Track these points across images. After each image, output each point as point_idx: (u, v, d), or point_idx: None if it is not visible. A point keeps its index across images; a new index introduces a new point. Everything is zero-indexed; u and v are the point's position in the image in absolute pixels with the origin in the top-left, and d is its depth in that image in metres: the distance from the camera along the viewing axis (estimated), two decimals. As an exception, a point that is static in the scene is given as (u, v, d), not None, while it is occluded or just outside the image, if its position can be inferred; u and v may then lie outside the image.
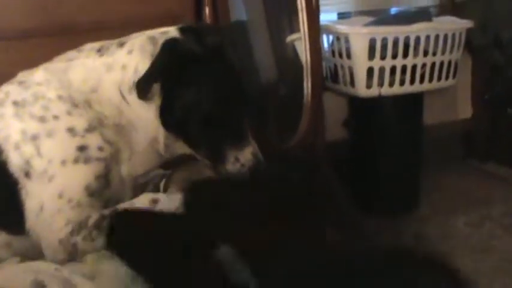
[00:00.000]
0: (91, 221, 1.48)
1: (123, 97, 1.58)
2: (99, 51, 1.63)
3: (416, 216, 2.87)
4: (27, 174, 1.50)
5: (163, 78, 1.54)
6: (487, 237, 2.62)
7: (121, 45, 1.62)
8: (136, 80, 1.54)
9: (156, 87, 1.54)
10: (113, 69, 1.59)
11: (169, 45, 1.55)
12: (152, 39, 1.59)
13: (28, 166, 1.50)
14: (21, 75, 1.64)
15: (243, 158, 1.62)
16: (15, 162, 1.51)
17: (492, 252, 2.48)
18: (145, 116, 1.58)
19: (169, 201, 1.51)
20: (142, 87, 1.53)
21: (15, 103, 1.56)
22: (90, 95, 1.58)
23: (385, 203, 2.94)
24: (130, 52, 1.59)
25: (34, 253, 1.53)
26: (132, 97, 1.57)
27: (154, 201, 1.50)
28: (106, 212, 1.49)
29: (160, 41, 1.57)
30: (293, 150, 2.59)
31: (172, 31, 1.61)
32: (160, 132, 1.60)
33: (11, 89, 1.60)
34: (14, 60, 1.70)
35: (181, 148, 1.64)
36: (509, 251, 2.47)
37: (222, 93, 1.59)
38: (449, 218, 2.80)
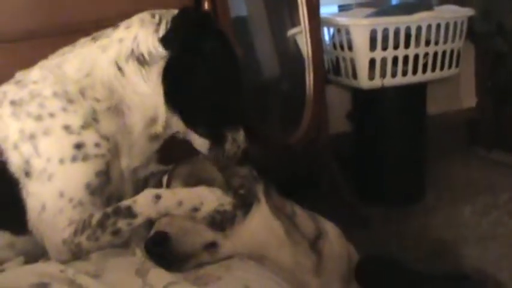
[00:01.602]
0: (94, 220, 1.47)
1: (120, 69, 1.57)
2: (94, 38, 1.63)
3: (423, 206, 2.87)
4: (27, 174, 1.51)
5: (179, 39, 1.55)
6: (494, 225, 2.61)
7: (116, 27, 1.63)
8: (136, 47, 1.56)
9: (161, 51, 1.55)
10: (109, 47, 1.59)
11: (187, 11, 1.58)
12: (152, 13, 1.60)
13: (28, 165, 1.50)
14: (18, 75, 1.64)
15: (239, 139, 1.65)
16: (15, 162, 1.51)
17: (499, 240, 2.47)
18: (142, 89, 1.58)
19: (172, 197, 1.51)
20: (170, 38, 1.54)
21: (13, 102, 1.56)
22: (83, 81, 1.57)
23: (391, 194, 2.94)
24: (128, 27, 1.60)
25: (38, 253, 1.54)
26: (129, 66, 1.57)
27: (157, 197, 1.49)
28: (109, 210, 1.49)
29: (164, 15, 1.59)
30: (297, 143, 2.59)
31: (173, 11, 1.63)
32: (160, 108, 1.59)
33: (8, 89, 1.60)
34: (16, 62, 1.70)
35: (176, 125, 1.63)
36: (515, 238, 2.48)
37: (230, 74, 1.62)
38: (455, 206, 2.79)
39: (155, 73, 1.57)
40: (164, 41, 1.54)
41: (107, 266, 1.39)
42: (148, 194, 1.51)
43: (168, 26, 1.56)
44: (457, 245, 2.45)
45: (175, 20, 1.56)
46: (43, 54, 1.68)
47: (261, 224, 1.56)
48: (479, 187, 3.00)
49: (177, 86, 1.58)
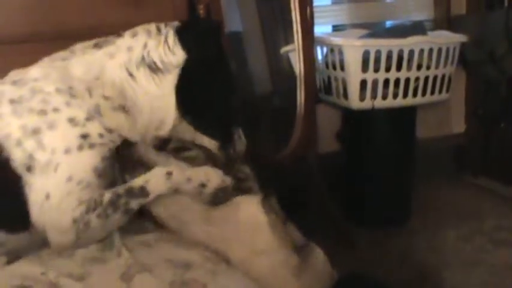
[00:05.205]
0: (106, 199, 1.50)
1: (131, 75, 1.62)
2: (96, 46, 1.66)
3: (408, 229, 2.88)
4: (29, 169, 1.50)
5: (198, 46, 1.63)
6: (477, 251, 2.62)
7: (120, 35, 1.67)
8: (146, 55, 1.61)
9: (179, 53, 1.61)
10: (117, 54, 1.63)
11: (202, 20, 1.72)
12: (156, 26, 1.66)
13: (30, 160, 1.50)
14: (13, 75, 1.64)
15: (242, 136, 1.76)
16: (17, 158, 1.50)
17: (482, 266, 2.48)
18: (154, 93, 1.63)
19: (182, 173, 1.58)
20: (186, 33, 1.61)
21: (12, 101, 1.55)
22: (92, 82, 1.60)
23: (377, 215, 2.94)
24: (134, 35, 1.65)
25: (27, 252, 1.52)
26: (140, 72, 1.62)
27: (169, 174, 1.55)
28: (120, 190, 1.52)
29: (168, 27, 1.64)
30: (286, 160, 2.59)
31: (175, 22, 1.68)
32: (170, 112, 1.65)
33: (5, 88, 1.59)
34: (11, 65, 1.70)
35: (184, 130, 1.71)
36: (498, 265, 2.48)
37: (232, 78, 1.73)
38: (440, 231, 2.81)
39: (170, 80, 1.63)
40: (185, 46, 1.61)
41: (91, 269, 1.38)
42: (159, 172, 1.57)
43: (175, 37, 1.62)
44: (439, 269, 2.45)
45: (191, 27, 1.64)
46: (38, 59, 1.68)
47: (247, 209, 1.59)
48: (464, 213, 3.02)
49: (191, 93, 1.65)
